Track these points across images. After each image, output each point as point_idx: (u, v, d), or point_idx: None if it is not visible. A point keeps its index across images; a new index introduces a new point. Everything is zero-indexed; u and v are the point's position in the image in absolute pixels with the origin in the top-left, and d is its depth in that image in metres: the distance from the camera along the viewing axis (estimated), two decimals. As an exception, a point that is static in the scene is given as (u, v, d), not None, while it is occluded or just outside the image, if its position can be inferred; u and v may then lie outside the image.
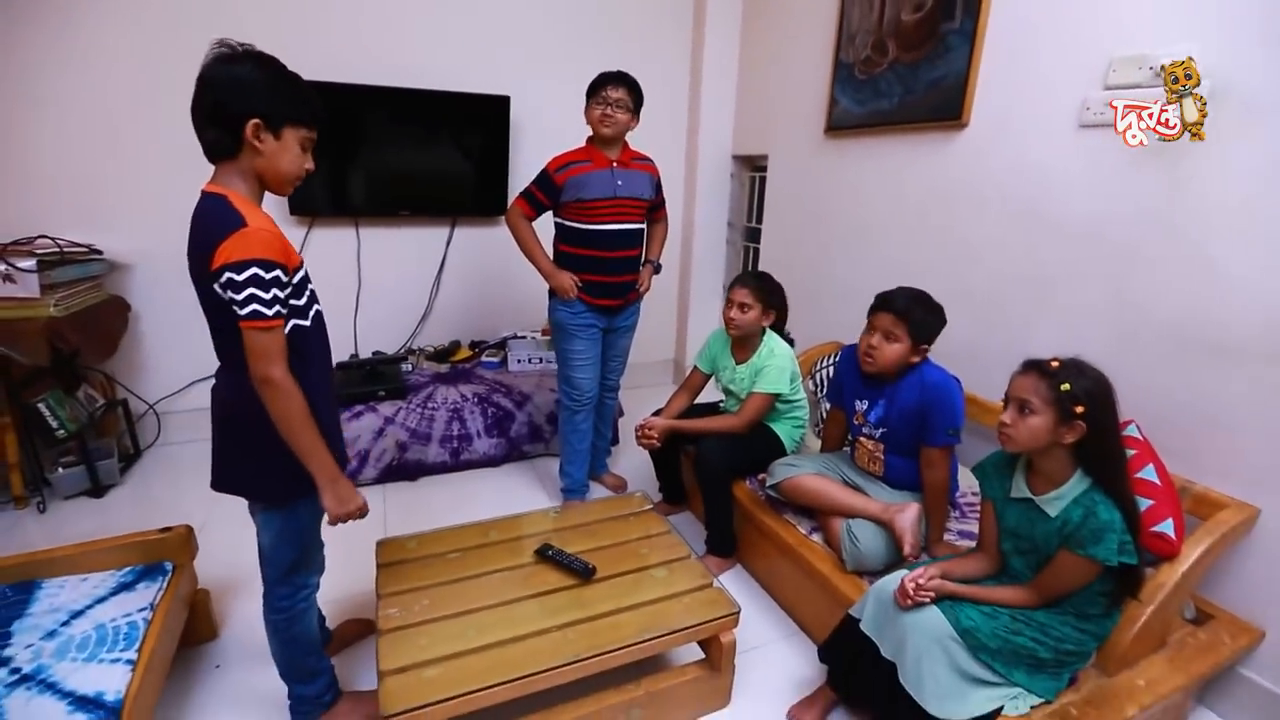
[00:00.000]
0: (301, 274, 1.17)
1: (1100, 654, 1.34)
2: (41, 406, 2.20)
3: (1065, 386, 1.19)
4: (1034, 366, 1.25)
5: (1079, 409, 1.18)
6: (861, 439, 1.79)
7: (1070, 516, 1.22)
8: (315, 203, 2.67)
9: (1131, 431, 1.53)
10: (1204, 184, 1.47)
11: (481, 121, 2.78)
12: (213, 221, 1.05)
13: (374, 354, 2.88)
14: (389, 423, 2.45)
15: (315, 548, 1.35)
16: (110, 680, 1.21)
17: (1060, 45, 1.73)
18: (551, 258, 2.18)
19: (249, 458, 1.19)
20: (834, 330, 2.60)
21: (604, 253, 2.12)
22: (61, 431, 2.24)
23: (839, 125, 2.50)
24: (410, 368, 2.83)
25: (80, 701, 1.16)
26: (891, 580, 1.35)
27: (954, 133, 2.04)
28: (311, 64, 2.45)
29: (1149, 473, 1.46)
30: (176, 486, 2.44)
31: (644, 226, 2.22)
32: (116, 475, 2.42)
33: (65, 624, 1.34)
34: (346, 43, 2.59)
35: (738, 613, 1.45)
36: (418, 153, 2.77)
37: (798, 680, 1.63)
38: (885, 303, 1.65)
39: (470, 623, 1.37)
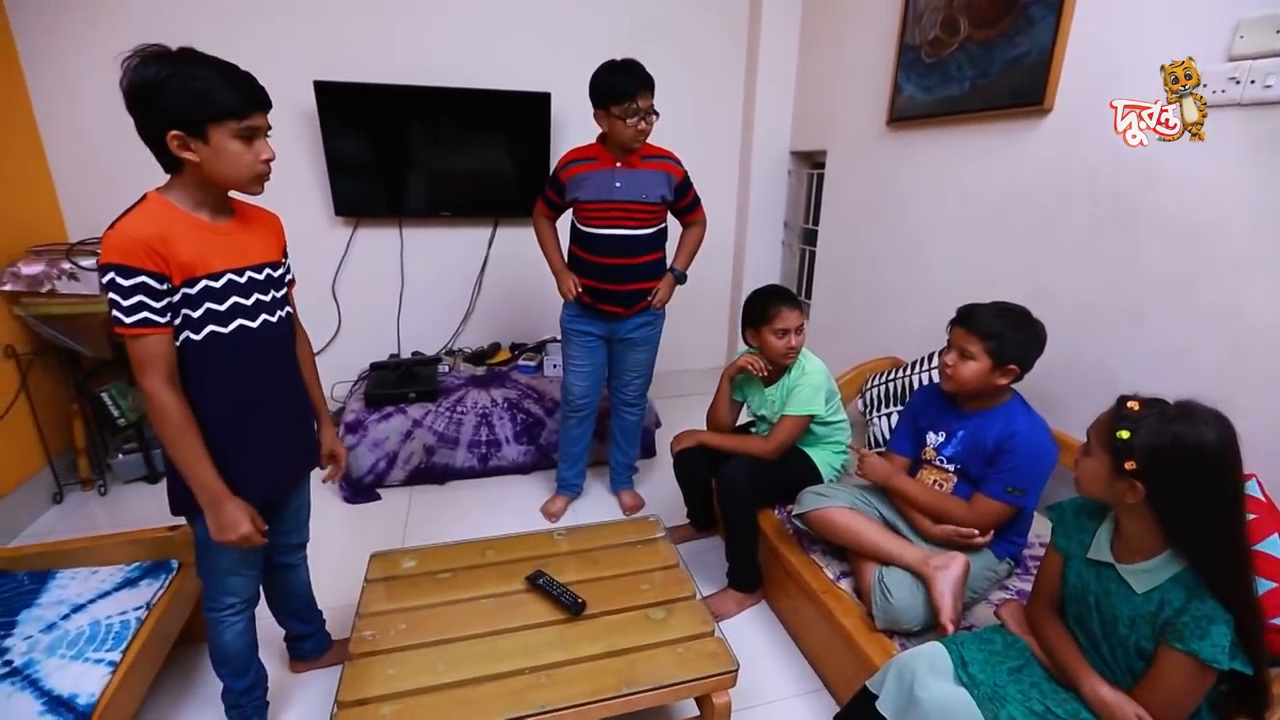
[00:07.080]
0: (205, 286, 1.07)
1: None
2: (105, 396, 2.34)
3: (1122, 434, 0.95)
4: (1118, 401, 1.02)
5: (1129, 464, 0.94)
6: (926, 469, 1.57)
7: (1170, 598, 0.96)
8: (359, 204, 2.69)
9: (1250, 489, 1.22)
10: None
11: (522, 120, 2.71)
12: None
13: (413, 354, 2.90)
14: (417, 425, 2.43)
15: (222, 570, 1.25)
16: (88, 682, 1.22)
17: (1168, 8, 1.42)
18: (566, 257, 2.11)
19: (168, 464, 1.16)
20: (891, 343, 2.33)
21: (600, 258, 1.99)
22: (122, 420, 2.37)
23: (903, 116, 2.22)
24: (447, 369, 2.82)
25: (54, 702, 1.17)
26: (915, 657, 1.13)
27: (1035, 120, 1.74)
28: (349, 66, 2.52)
29: (1271, 545, 1.15)
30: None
31: (654, 231, 2.02)
32: (172, 463, 2.56)
33: (65, 617, 1.37)
34: (383, 44, 2.58)
35: (735, 671, 1.28)
36: (459, 152, 2.73)
37: (812, 748, 1.43)
38: (962, 317, 1.47)
39: (442, 654, 1.29)
